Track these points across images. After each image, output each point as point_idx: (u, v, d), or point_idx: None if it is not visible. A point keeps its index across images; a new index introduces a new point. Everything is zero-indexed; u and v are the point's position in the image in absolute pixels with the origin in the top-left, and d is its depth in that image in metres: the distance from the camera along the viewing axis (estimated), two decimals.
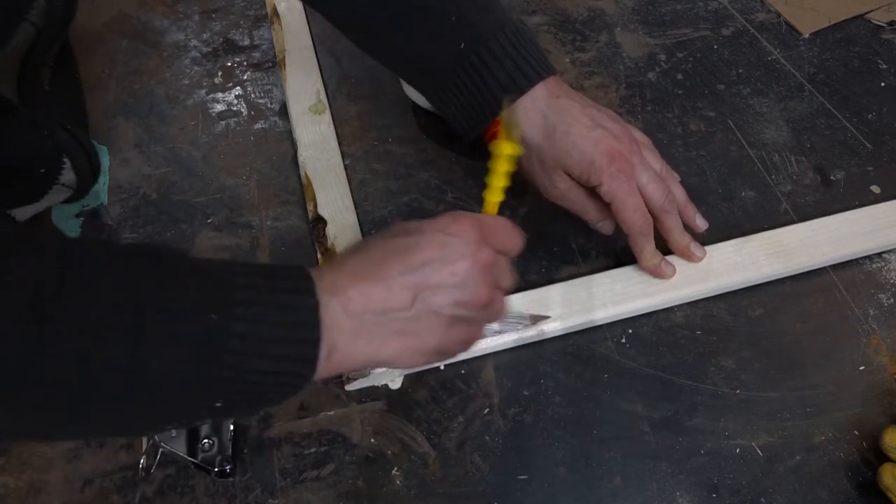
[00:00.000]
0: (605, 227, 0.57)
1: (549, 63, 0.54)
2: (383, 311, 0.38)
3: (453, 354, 0.43)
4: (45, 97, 0.55)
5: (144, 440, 0.48)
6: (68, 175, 0.56)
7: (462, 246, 0.40)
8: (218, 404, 0.35)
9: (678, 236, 0.56)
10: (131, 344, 0.32)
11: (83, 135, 0.58)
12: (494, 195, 0.48)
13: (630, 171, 0.52)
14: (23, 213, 0.55)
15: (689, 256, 0.57)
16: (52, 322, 0.30)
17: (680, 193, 0.56)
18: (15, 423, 0.34)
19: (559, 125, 0.52)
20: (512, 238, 0.44)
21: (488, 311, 0.42)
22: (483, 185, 0.48)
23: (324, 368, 0.37)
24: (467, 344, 0.43)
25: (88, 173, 0.58)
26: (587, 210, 0.56)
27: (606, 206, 0.54)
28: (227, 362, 0.34)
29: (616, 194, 0.52)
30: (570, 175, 0.53)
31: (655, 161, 0.55)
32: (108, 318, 0.32)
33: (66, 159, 0.55)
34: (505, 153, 0.46)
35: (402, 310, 0.39)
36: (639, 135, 0.56)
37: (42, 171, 0.54)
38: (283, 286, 0.36)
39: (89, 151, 0.58)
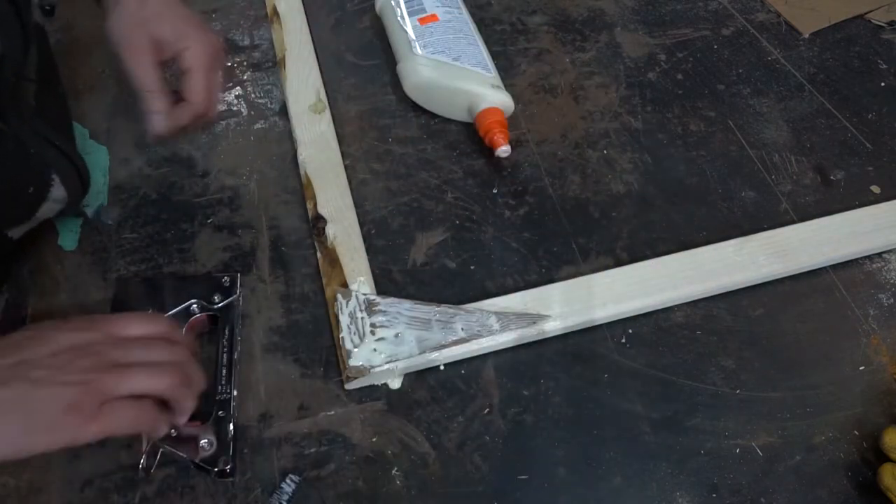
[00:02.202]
0: (156, 122, 0.55)
1: None
2: None
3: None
4: (31, 112, 0.55)
5: (144, 441, 0.48)
6: (58, 190, 0.56)
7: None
8: None
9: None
10: None
11: (71, 148, 0.58)
12: None
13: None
14: (17, 231, 0.55)
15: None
16: None
17: None
18: None
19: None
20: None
21: None
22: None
23: None
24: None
25: (78, 187, 0.58)
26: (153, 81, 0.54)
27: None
28: None
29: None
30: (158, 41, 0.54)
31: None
32: None
33: (54, 175, 0.55)
34: None
35: None
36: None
37: (31, 190, 0.54)
38: None
39: (78, 165, 0.57)
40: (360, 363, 0.52)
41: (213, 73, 0.55)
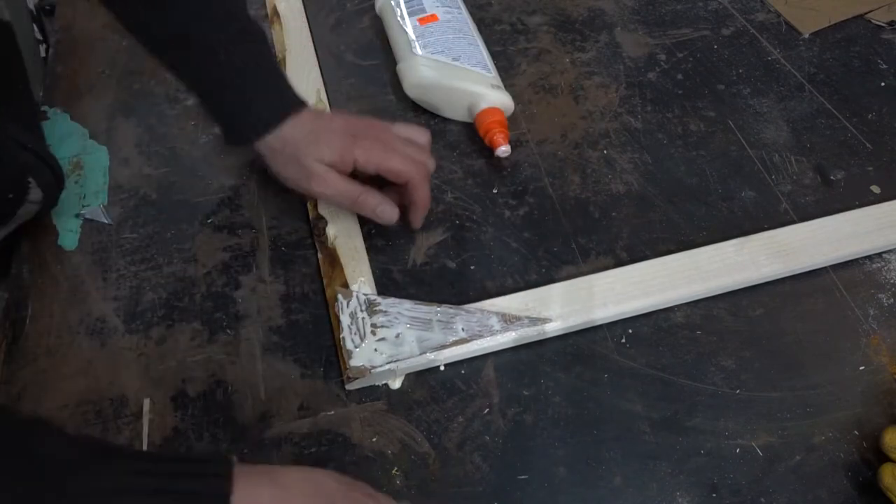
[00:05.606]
0: (387, 213, 0.58)
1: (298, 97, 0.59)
2: None
3: None
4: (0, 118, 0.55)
5: None
6: (35, 193, 0.56)
7: None
8: None
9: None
10: None
11: (42, 148, 0.58)
12: None
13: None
14: None
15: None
16: None
17: None
18: None
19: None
20: None
21: None
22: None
23: None
24: None
25: (53, 186, 0.58)
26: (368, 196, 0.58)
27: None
28: None
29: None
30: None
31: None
32: None
33: (31, 178, 0.55)
34: None
35: None
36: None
37: (10, 196, 0.54)
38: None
39: (52, 165, 0.58)
40: (361, 363, 0.52)
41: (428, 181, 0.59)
